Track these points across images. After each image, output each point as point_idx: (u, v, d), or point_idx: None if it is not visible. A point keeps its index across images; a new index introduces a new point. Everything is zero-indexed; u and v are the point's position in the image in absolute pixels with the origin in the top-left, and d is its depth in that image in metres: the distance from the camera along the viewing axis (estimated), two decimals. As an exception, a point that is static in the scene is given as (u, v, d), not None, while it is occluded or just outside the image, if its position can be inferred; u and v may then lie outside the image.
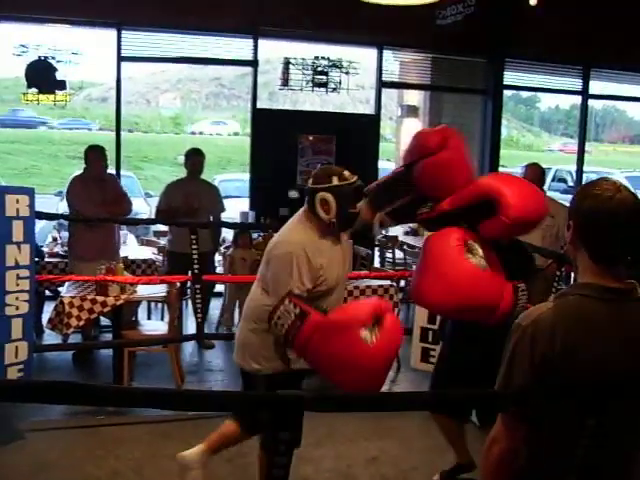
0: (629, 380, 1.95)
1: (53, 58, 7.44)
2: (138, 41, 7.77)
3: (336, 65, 8.29)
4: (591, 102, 10.23)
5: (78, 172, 6.63)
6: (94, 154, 6.28)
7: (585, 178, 10.11)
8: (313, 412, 3.81)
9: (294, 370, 3.39)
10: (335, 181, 3.32)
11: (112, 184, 6.41)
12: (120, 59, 7.72)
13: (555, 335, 1.92)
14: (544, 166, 5.94)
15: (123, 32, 7.65)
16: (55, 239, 7.14)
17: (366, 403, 2.37)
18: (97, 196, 6.07)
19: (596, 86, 9.90)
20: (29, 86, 7.47)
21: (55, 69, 7.46)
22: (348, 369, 3.09)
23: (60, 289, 5.99)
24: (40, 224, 7.36)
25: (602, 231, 1.93)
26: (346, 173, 3.37)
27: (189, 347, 6.51)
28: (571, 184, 12.25)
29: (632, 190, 1.98)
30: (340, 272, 3.43)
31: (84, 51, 7.59)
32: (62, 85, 7.54)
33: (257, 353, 3.39)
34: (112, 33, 7.64)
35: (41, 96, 7.49)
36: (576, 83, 9.64)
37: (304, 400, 2.12)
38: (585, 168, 10.34)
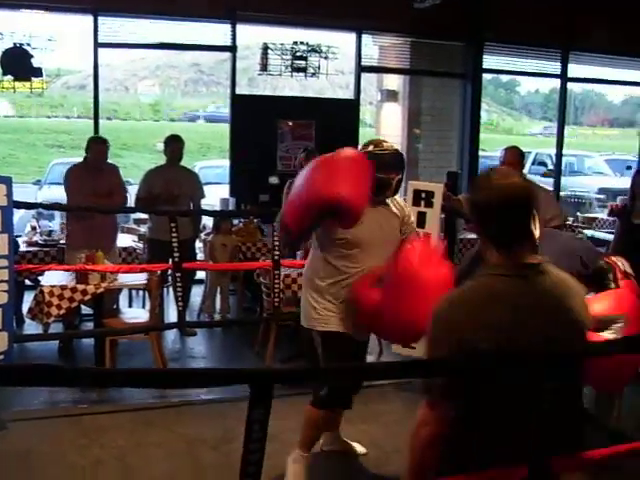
0: (540, 347, 2.00)
1: (29, 45, 7.33)
2: (115, 27, 7.65)
3: (315, 50, 8.24)
4: (570, 85, 10.26)
5: (78, 159, 6.66)
6: (94, 145, 6.31)
7: (564, 161, 10.12)
8: (297, 397, 3.87)
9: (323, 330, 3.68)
10: (370, 148, 3.62)
11: (109, 175, 6.34)
12: (97, 45, 7.59)
13: (469, 314, 1.97)
14: (523, 149, 5.96)
15: (99, 18, 7.51)
16: (34, 228, 7.07)
17: (325, 375, 2.49)
18: (88, 187, 6.03)
19: (575, 69, 9.92)
20: (4, 73, 7.37)
21: (31, 56, 7.35)
22: None
23: (40, 278, 5.94)
24: (19, 213, 7.30)
25: (498, 220, 1.99)
26: (385, 144, 3.66)
27: (171, 335, 6.50)
28: (551, 167, 12.34)
29: (523, 176, 2.02)
30: (372, 234, 3.58)
31: (60, 37, 7.51)
32: (38, 72, 7.44)
33: (303, 308, 3.79)
34: (88, 19, 7.53)
35: (17, 83, 7.39)
36: (555, 66, 9.66)
37: (272, 374, 2.16)
38: (565, 151, 10.41)
